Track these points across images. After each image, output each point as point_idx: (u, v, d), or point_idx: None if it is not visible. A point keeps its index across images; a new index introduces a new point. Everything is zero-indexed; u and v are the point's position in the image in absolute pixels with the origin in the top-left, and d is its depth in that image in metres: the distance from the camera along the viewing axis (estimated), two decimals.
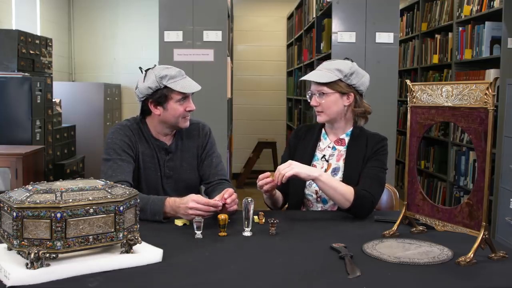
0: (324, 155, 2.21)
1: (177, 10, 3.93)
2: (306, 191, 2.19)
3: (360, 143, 2.17)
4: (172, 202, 1.90)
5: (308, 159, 2.20)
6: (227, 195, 1.89)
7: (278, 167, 1.99)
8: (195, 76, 3.69)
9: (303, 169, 1.97)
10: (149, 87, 2.08)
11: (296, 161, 2.03)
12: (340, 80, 2.12)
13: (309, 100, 2.21)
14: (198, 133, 2.27)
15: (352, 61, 2.18)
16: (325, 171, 2.18)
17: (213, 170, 2.23)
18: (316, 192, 2.17)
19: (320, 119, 2.19)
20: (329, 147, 2.22)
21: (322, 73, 2.14)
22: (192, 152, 2.24)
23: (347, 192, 2.00)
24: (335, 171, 2.18)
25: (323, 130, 2.27)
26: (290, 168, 1.95)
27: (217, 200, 1.87)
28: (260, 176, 2.01)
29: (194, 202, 1.83)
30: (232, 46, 6.31)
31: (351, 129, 2.22)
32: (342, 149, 2.20)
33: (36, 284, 1.28)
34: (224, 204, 1.88)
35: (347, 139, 2.21)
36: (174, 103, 2.10)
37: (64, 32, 6.65)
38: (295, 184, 2.18)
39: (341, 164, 2.18)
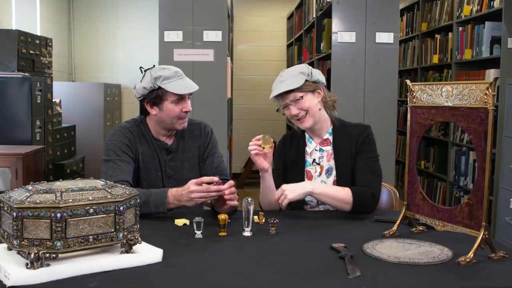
0: (314, 159, 2.22)
1: (177, 10, 3.93)
2: (307, 198, 2.19)
3: (344, 137, 2.19)
4: (174, 192, 1.94)
5: (300, 166, 2.22)
6: (227, 186, 1.91)
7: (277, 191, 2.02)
8: (195, 76, 3.69)
9: (295, 192, 1.98)
10: (144, 87, 2.10)
11: (289, 170, 2.11)
12: (306, 80, 2.14)
13: (284, 114, 2.21)
14: (200, 133, 2.27)
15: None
16: (319, 174, 2.20)
17: (215, 170, 2.23)
18: None
19: (305, 124, 2.17)
20: (316, 150, 2.23)
21: (289, 81, 2.14)
22: (194, 152, 2.25)
23: (344, 195, 2.01)
24: (328, 171, 2.19)
25: (306, 135, 2.27)
26: (284, 196, 1.97)
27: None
28: (253, 140, 2.04)
29: (194, 185, 1.87)
30: (232, 46, 6.31)
31: (331, 127, 2.23)
32: (329, 148, 2.21)
33: (36, 284, 1.28)
34: (222, 197, 1.91)
35: (331, 138, 2.22)
36: (170, 104, 2.10)
37: (64, 32, 6.65)
38: None
39: (332, 163, 2.19)
